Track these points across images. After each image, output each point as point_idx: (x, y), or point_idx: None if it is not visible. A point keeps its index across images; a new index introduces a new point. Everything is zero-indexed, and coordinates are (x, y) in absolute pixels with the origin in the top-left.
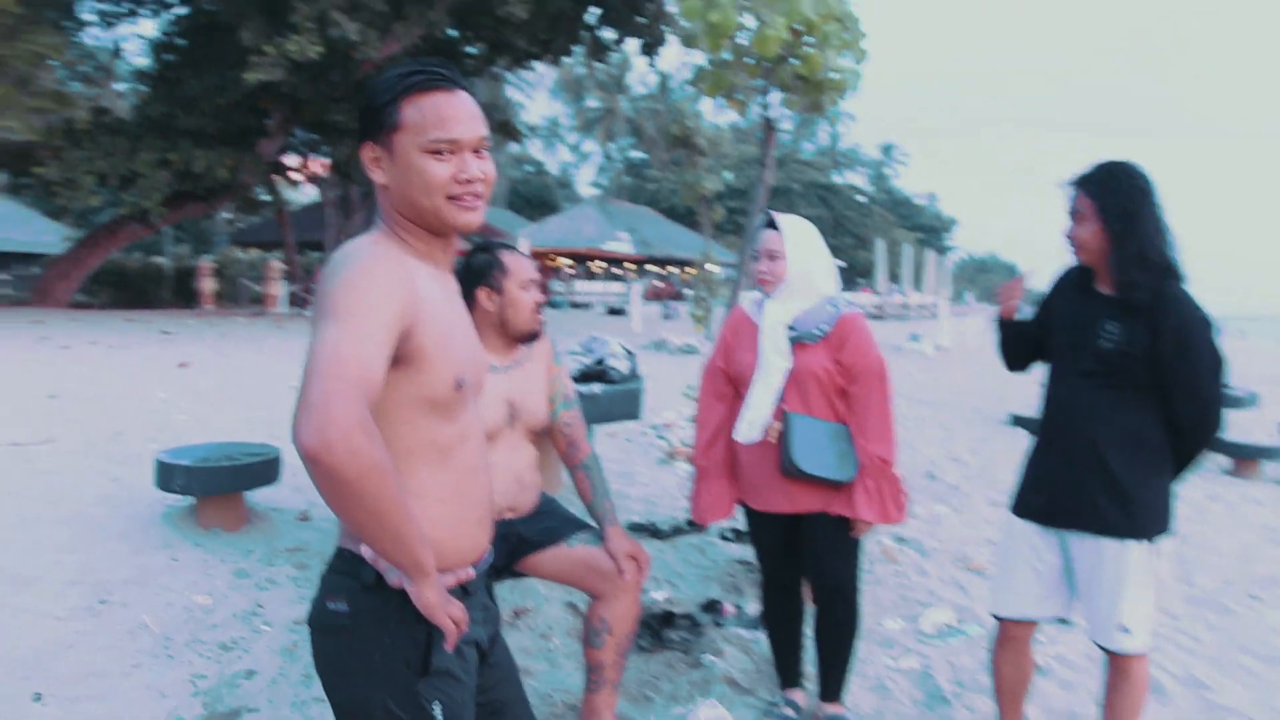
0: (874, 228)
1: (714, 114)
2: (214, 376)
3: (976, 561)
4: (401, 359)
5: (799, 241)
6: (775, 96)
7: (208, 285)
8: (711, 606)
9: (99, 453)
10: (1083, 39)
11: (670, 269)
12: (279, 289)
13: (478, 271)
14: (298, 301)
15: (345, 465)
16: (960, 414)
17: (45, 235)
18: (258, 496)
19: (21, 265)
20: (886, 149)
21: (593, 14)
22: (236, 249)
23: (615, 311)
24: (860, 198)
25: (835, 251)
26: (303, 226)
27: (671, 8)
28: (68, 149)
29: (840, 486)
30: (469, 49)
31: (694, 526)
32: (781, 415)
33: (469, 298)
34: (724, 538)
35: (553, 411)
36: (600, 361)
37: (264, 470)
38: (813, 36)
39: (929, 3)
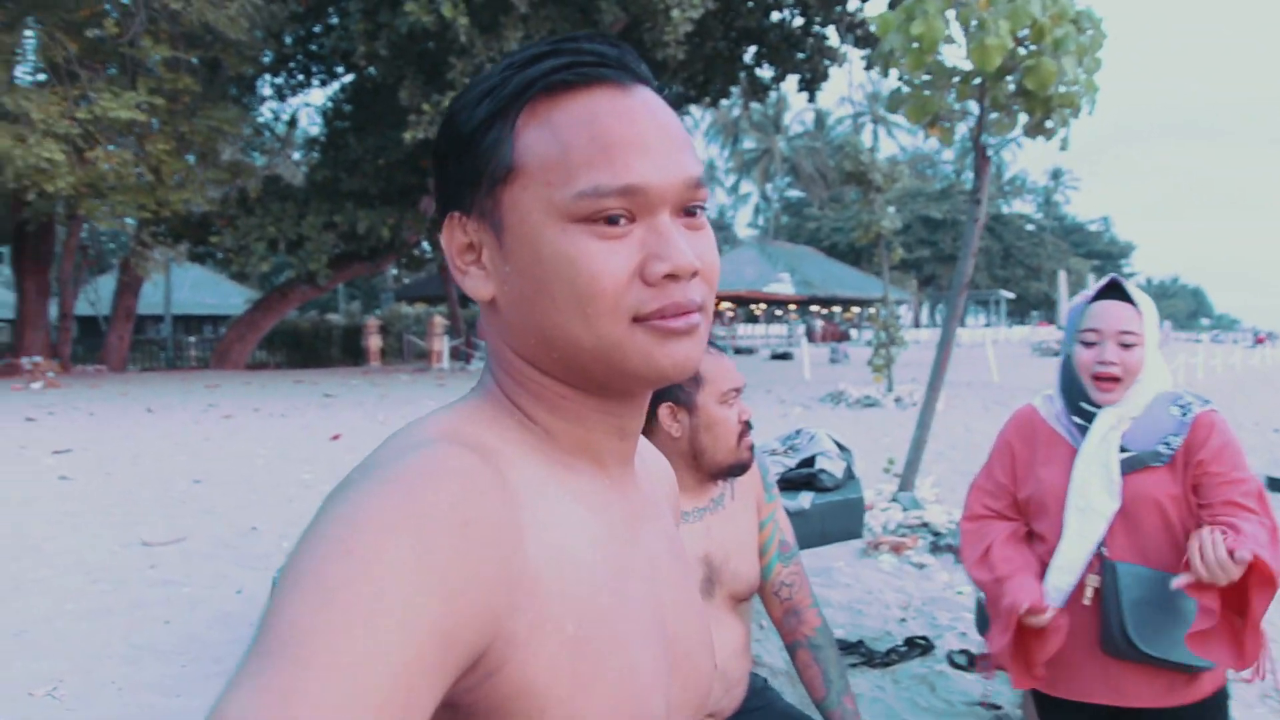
0: (1046, 257)
1: (876, 146)
2: (364, 450)
3: None
4: (479, 714)
5: (1153, 321)
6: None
7: (374, 343)
8: None
9: (230, 554)
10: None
11: (834, 309)
12: (442, 344)
13: None
14: (460, 356)
15: None
16: None
17: (231, 299)
18: None
19: (210, 328)
20: (1056, 173)
21: (750, 53)
22: (403, 304)
23: (780, 356)
24: (1030, 226)
25: (1005, 283)
26: None
27: (833, 41)
28: (241, 217)
29: (1195, 673)
30: None
31: (917, 648)
32: (1101, 564)
33: (646, 416)
34: (955, 664)
35: (765, 568)
36: (809, 462)
37: None
38: (1041, 44)
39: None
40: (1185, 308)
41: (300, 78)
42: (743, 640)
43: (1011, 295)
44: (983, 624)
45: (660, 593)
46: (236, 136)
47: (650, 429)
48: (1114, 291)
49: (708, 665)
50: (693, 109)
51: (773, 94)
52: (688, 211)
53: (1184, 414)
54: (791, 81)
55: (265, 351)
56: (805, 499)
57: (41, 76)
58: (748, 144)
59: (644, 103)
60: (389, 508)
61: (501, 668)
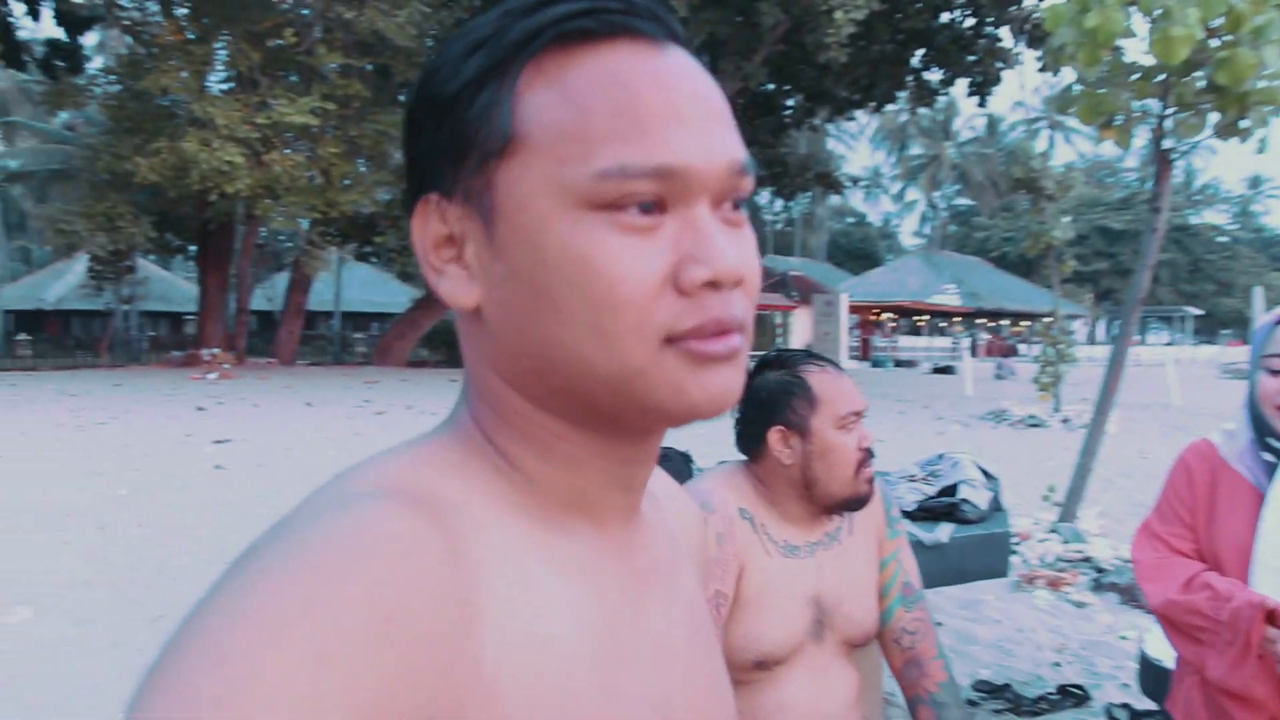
0: (1240, 272)
1: (1051, 152)
2: None
3: None
4: None
5: None
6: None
7: None
8: None
9: None
10: None
11: (1002, 322)
12: None
13: (768, 402)
14: None
15: None
16: None
17: (398, 297)
18: None
19: (376, 325)
20: (1255, 181)
21: (918, 56)
22: None
23: (942, 370)
24: (1222, 238)
25: (1192, 299)
26: None
27: (1006, 42)
28: (405, 217)
29: None
30: (788, 101)
31: (1071, 697)
32: None
33: (754, 440)
34: (1113, 717)
35: (885, 612)
36: (950, 491)
37: None
38: (1238, 33)
39: None
40: None
41: None
42: (855, 690)
43: (1199, 312)
44: (1150, 684)
45: (668, 678)
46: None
47: (757, 454)
48: None
49: None
50: (858, 113)
51: (942, 98)
52: (731, 203)
53: None
54: (961, 85)
55: (427, 349)
56: (944, 531)
57: (227, 85)
58: (915, 150)
59: (680, 64)
60: (285, 598)
61: None
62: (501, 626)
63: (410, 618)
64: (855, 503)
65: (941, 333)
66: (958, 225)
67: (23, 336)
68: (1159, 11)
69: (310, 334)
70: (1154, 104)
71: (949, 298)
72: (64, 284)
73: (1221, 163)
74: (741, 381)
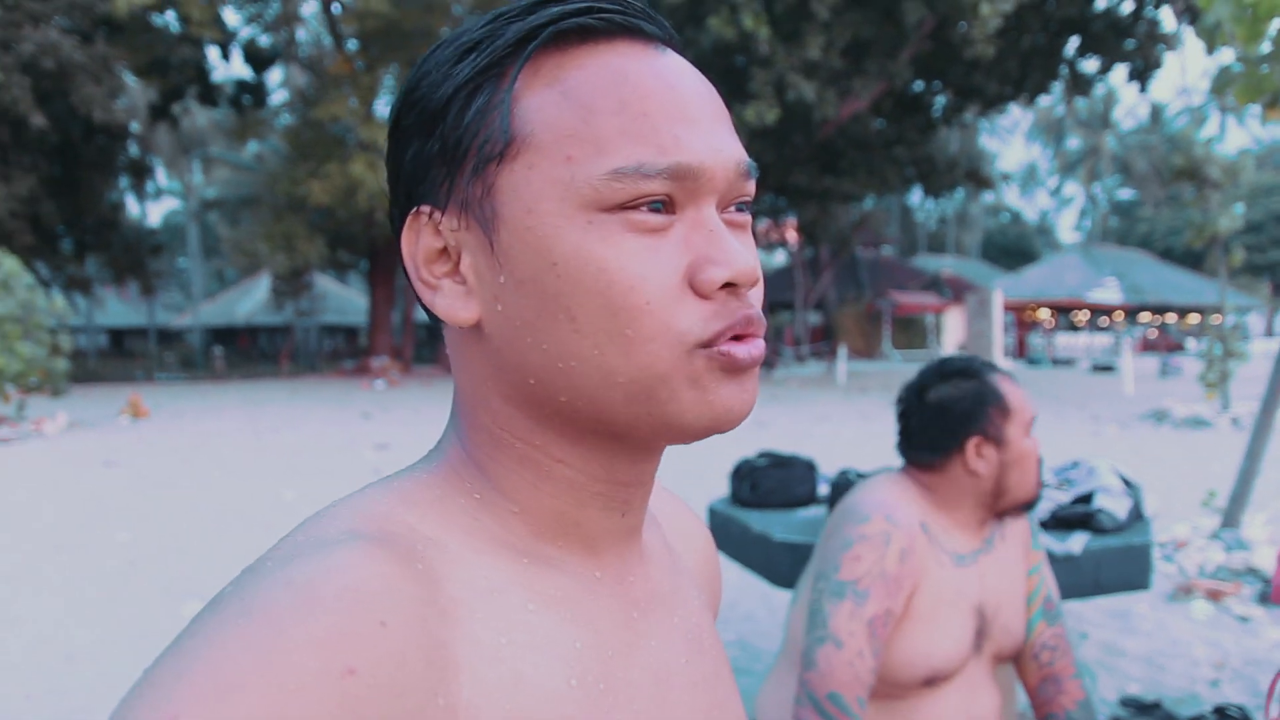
0: None
1: (1221, 139)
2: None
3: None
4: None
5: None
6: None
7: None
8: None
9: None
10: None
11: (1167, 317)
12: None
13: (966, 413)
14: (765, 363)
15: None
16: None
17: None
18: None
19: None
20: None
21: (1071, 45)
22: None
23: (1102, 368)
24: None
25: None
26: (773, 288)
27: (1171, 24)
28: None
29: None
30: (934, 100)
31: (1229, 718)
32: None
33: (943, 451)
34: None
35: (1026, 625)
36: (1086, 499)
37: None
38: None
39: None
40: None
41: None
42: (1000, 706)
43: None
44: None
45: (668, 710)
46: None
47: (940, 464)
48: None
49: None
50: (1010, 108)
51: (1099, 88)
52: (739, 206)
53: None
54: (1120, 73)
55: None
56: (1077, 542)
57: None
58: (1072, 142)
59: (681, 65)
60: (239, 651)
61: None
62: (479, 669)
63: (374, 669)
64: (1032, 505)
65: (1101, 330)
66: (1119, 218)
67: (218, 350)
68: None
69: None
70: None
71: (1109, 293)
72: (252, 301)
73: None
74: (756, 392)
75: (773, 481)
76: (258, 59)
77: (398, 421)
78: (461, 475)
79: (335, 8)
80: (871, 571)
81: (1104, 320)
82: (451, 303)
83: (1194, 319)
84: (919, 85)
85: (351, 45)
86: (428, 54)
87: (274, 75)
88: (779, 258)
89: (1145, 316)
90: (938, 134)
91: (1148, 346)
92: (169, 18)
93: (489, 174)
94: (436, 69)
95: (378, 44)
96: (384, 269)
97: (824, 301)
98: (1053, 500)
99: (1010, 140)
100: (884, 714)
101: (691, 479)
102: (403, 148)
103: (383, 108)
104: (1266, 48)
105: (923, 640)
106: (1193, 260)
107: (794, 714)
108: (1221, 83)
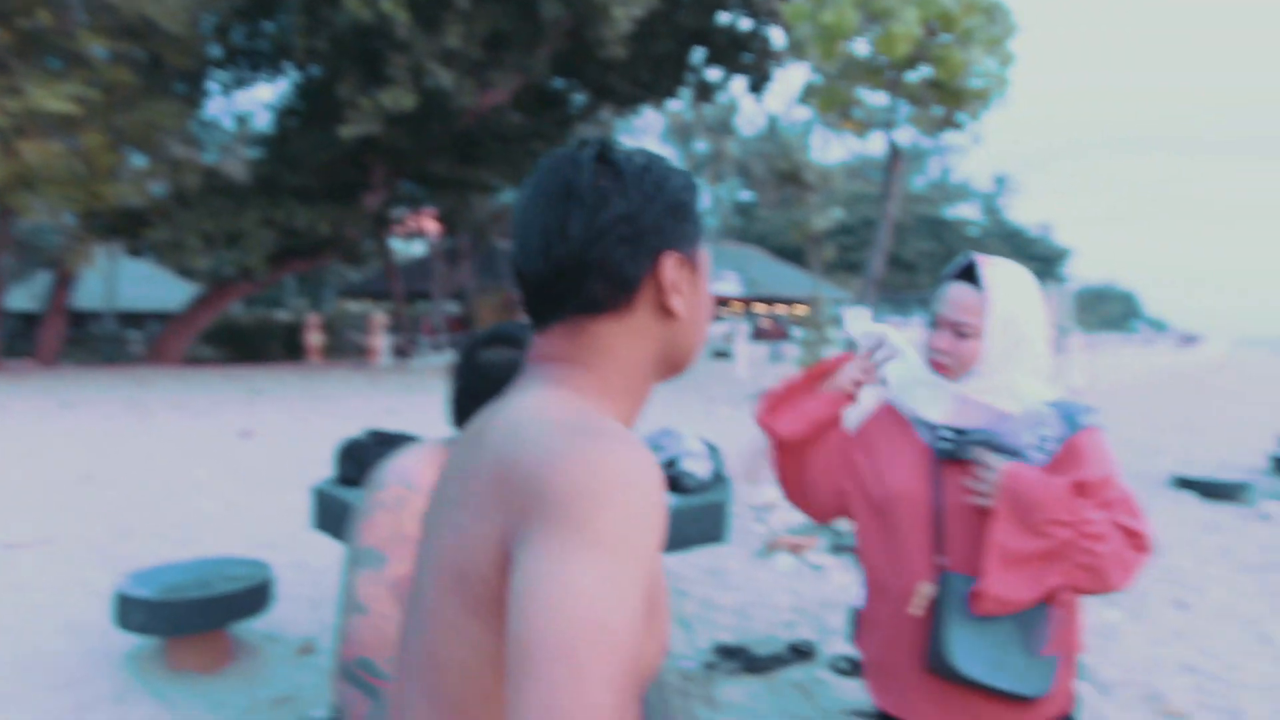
0: None
1: (823, 148)
2: (272, 448)
3: (1175, 703)
4: None
5: (1010, 306)
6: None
7: (314, 339)
8: None
9: (97, 558)
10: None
11: (778, 308)
12: (382, 341)
13: (497, 380)
14: (400, 352)
15: None
16: None
17: (178, 294)
18: (253, 622)
19: (156, 323)
20: (999, 180)
21: (698, 54)
22: (349, 301)
23: (720, 354)
24: (973, 231)
25: None
26: (412, 278)
27: (779, 43)
28: (176, 211)
29: (1022, 704)
30: (572, 97)
31: (799, 654)
32: (939, 574)
33: (473, 416)
34: (838, 670)
35: None
36: (671, 464)
37: (247, 601)
38: (951, 34)
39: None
40: (1119, 311)
41: (249, 74)
42: None
43: None
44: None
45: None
46: (178, 131)
47: None
48: (969, 274)
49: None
50: (643, 110)
51: (725, 96)
52: None
53: (1067, 421)
54: (740, 83)
55: (211, 347)
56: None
57: None
58: (700, 146)
59: None
60: (643, 465)
61: (655, 576)
62: None
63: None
64: None
65: (721, 319)
66: (740, 218)
67: None
68: (883, 9)
69: (81, 333)
70: (885, 98)
71: (729, 286)
72: None
73: (972, 162)
74: None
75: (379, 459)
76: None
77: None
78: (604, 404)
79: None
80: (390, 535)
81: (724, 310)
82: (679, 304)
83: (801, 309)
84: (560, 83)
85: None
86: (673, 167)
87: None
88: (417, 248)
89: (761, 307)
90: (575, 130)
91: (762, 335)
92: None
93: (697, 252)
94: (687, 187)
95: None
96: None
97: (463, 291)
98: None
99: (645, 141)
100: None
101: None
102: (669, 219)
103: None
104: (840, 65)
105: None
106: (800, 257)
107: (334, 689)
108: (807, 94)
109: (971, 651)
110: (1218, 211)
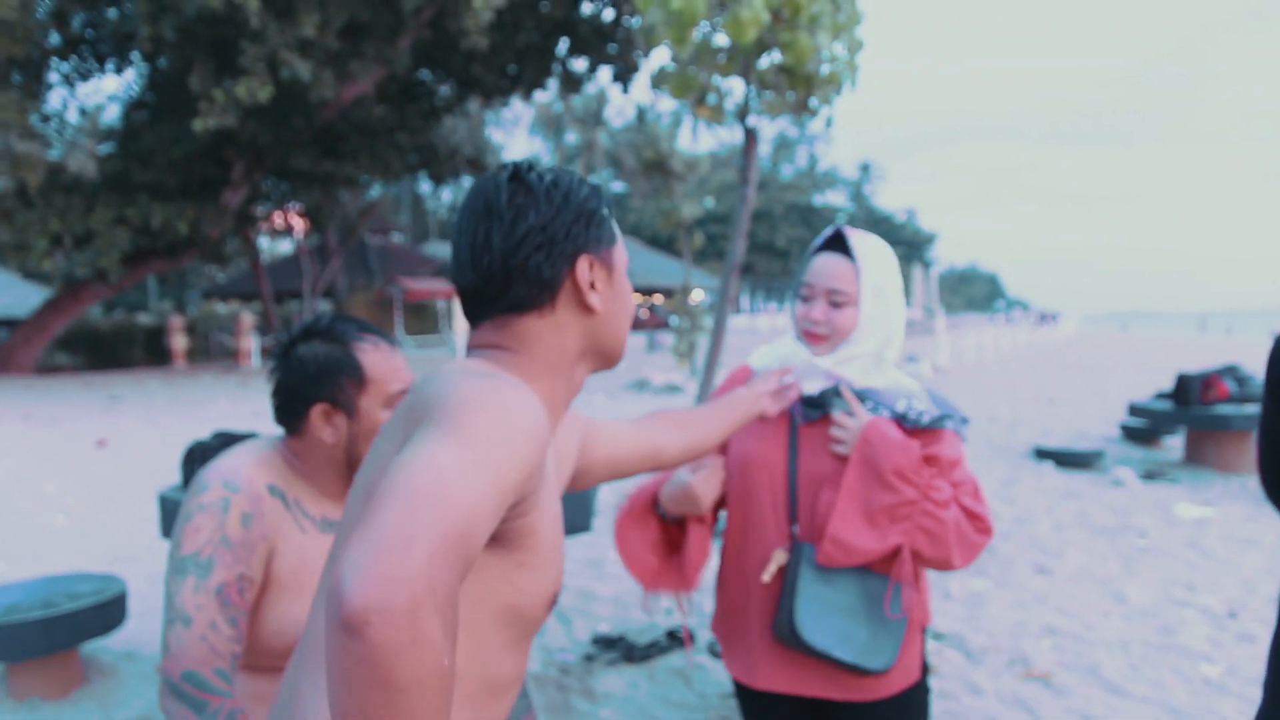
0: None
1: (692, 138)
2: (129, 458)
3: (1039, 665)
4: (504, 539)
5: (879, 276)
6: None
7: (179, 343)
8: None
9: None
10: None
11: (655, 298)
12: (251, 343)
13: (314, 376)
14: (270, 353)
15: (398, 659)
16: (975, 448)
17: (30, 300)
18: (106, 641)
19: (5, 331)
20: (865, 167)
21: (563, 45)
22: (216, 302)
23: None
24: (840, 217)
25: None
26: (281, 277)
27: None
28: (18, 210)
29: (867, 675)
30: (438, 89)
31: (677, 641)
32: (791, 543)
33: (294, 415)
34: (715, 654)
35: None
36: None
37: (97, 618)
38: (798, 20)
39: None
40: (983, 292)
41: (93, 65)
42: None
43: None
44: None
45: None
46: (17, 125)
47: (296, 429)
48: (839, 244)
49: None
50: (512, 102)
51: (594, 87)
52: None
53: (929, 405)
54: (606, 74)
55: (67, 354)
56: None
57: None
58: (570, 138)
59: None
60: (516, 395)
61: (527, 513)
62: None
63: (548, 428)
64: None
65: None
66: (613, 209)
67: None
68: None
69: None
70: (738, 83)
71: None
72: None
73: (839, 150)
74: None
75: None
76: None
77: None
78: (532, 379)
79: None
80: (213, 539)
81: None
82: (597, 301)
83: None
84: (425, 74)
85: None
86: (578, 181)
87: None
88: (286, 246)
89: (637, 298)
90: (441, 122)
91: (640, 325)
92: None
93: (613, 253)
94: (592, 197)
95: None
96: None
97: (334, 289)
98: None
99: (515, 133)
100: (268, 685)
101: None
102: (577, 227)
103: None
104: (692, 51)
105: (288, 608)
106: (674, 247)
107: (160, 706)
108: (659, 80)
109: (817, 621)
110: (1063, 197)
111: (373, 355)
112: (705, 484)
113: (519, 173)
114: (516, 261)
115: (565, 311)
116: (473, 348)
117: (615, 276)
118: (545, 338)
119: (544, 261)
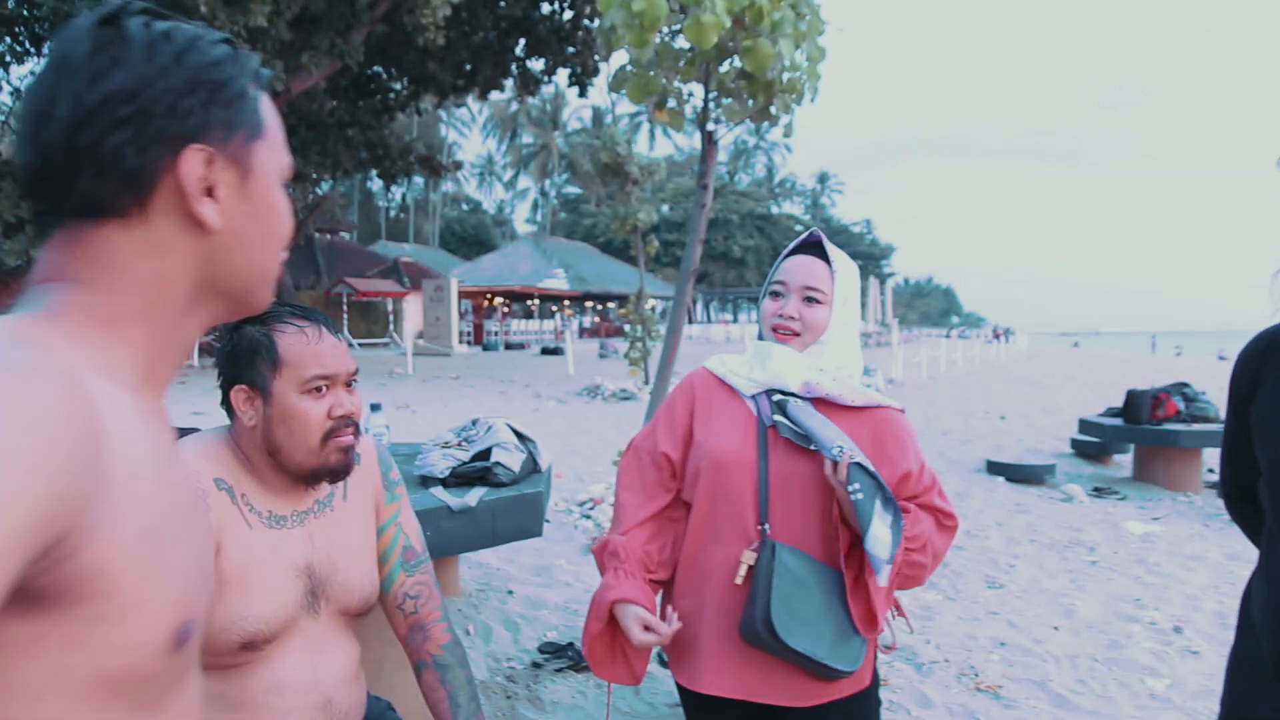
0: None
1: (649, 145)
2: None
3: (988, 678)
4: (51, 596)
5: (848, 284)
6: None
7: None
8: None
9: None
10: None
11: (609, 305)
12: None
13: (234, 357)
14: (210, 353)
15: None
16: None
17: None
18: None
19: None
20: (822, 178)
21: (521, 45)
22: None
23: (550, 351)
24: (798, 227)
25: None
26: None
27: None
28: None
29: (833, 678)
30: (391, 85)
31: None
32: (761, 541)
33: (224, 399)
34: (664, 662)
35: (385, 579)
36: (485, 456)
37: None
38: (760, 26)
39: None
40: (938, 306)
41: (29, 45)
42: (355, 663)
43: None
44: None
45: (182, 492)
46: None
47: (231, 414)
48: (813, 248)
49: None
50: (468, 102)
51: (551, 89)
52: None
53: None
54: (563, 76)
55: None
56: (473, 496)
57: None
58: (526, 139)
59: None
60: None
61: (78, 552)
62: (110, 448)
63: (79, 425)
64: (324, 473)
65: (553, 316)
66: (567, 213)
67: None
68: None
69: None
70: (699, 88)
71: (558, 282)
72: None
73: (797, 160)
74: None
75: None
76: None
77: None
78: (71, 330)
79: None
80: None
81: (554, 307)
82: (212, 214)
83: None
84: (379, 69)
85: None
86: (230, 48)
87: None
88: None
89: (590, 304)
90: (394, 119)
91: (593, 332)
92: None
93: (253, 144)
94: (233, 62)
95: None
96: None
97: (280, 286)
98: (454, 458)
99: (469, 133)
100: (217, 684)
101: None
102: (190, 95)
103: None
104: (652, 54)
105: (234, 604)
106: (628, 254)
107: None
108: (618, 83)
109: (793, 621)
110: (1020, 213)
111: (291, 338)
112: (643, 643)
113: (117, 14)
114: (86, 139)
115: (163, 225)
116: (35, 282)
117: (254, 182)
118: (132, 262)
119: (127, 143)
